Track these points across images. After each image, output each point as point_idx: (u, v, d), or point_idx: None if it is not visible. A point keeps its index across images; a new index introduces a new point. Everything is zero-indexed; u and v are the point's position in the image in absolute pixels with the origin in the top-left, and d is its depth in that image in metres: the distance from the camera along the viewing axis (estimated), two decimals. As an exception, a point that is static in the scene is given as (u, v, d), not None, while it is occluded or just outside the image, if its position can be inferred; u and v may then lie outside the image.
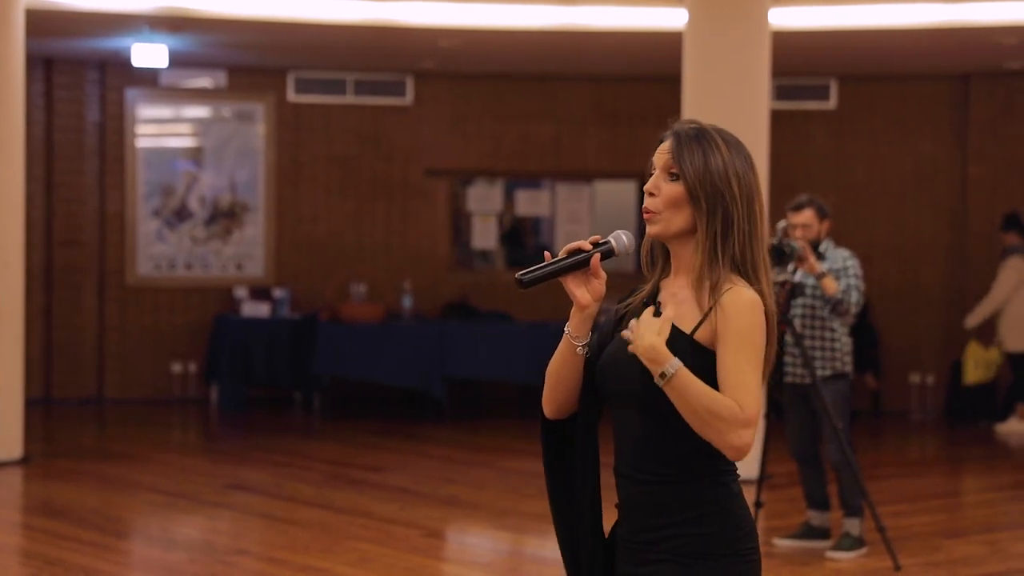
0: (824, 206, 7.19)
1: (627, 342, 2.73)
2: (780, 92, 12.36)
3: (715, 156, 2.80)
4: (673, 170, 2.81)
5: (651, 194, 2.83)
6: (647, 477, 2.79)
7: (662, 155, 2.84)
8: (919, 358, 12.68)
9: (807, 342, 7.05)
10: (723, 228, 2.78)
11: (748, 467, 7.99)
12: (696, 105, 8.83)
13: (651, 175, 2.85)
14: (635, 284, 2.94)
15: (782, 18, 9.83)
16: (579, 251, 2.80)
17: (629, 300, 2.91)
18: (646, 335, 2.69)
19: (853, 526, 7.08)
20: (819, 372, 7.01)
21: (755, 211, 2.82)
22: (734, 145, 2.83)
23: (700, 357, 2.73)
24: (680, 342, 2.74)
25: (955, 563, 7.02)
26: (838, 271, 7.03)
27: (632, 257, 3.04)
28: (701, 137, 2.82)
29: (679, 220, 2.81)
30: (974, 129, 12.54)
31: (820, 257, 7.09)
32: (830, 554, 7.06)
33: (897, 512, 8.11)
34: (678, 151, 2.81)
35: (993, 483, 9.73)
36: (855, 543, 7.07)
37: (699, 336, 2.75)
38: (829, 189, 12.32)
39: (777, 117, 11.33)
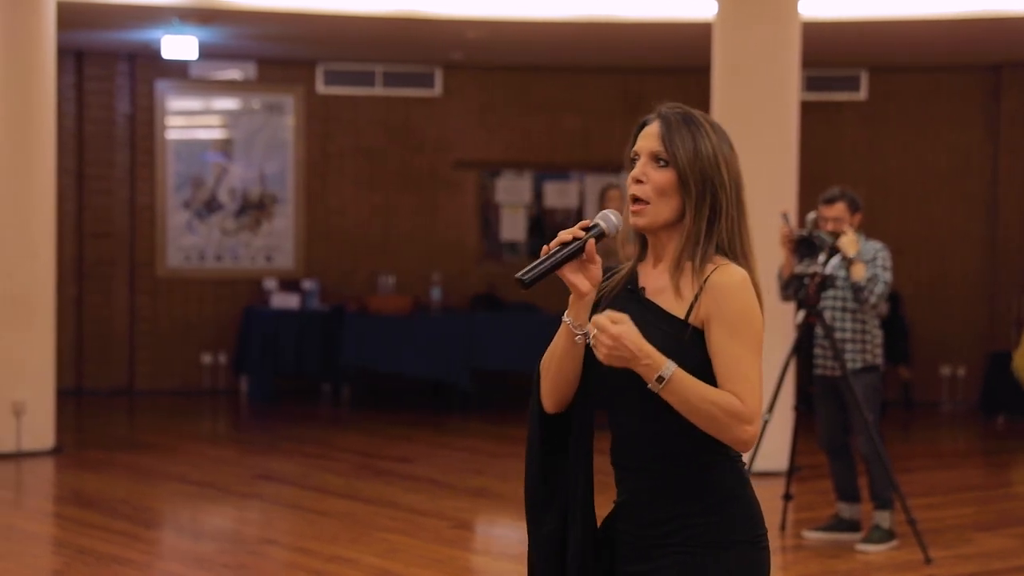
0: (856, 199, 7.15)
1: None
2: (810, 83, 12.30)
3: (705, 140, 2.71)
4: (663, 156, 2.72)
5: (639, 181, 2.72)
6: (655, 467, 2.71)
7: (648, 140, 2.74)
8: (950, 350, 12.61)
9: (838, 334, 7.02)
10: (711, 214, 2.70)
11: (777, 459, 7.98)
12: (725, 97, 8.80)
13: (633, 161, 2.76)
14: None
15: (812, 8, 9.78)
16: (572, 240, 2.70)
17: (604, 284, 2.80)
18: (633, 337, 2.58)
19: (883, 519, 7.04)
20: (850, 364, 6.98)
21: (742, 198, 2.74)
22: (719, 130, 2.75)
23: (699, 342, 2.65)
24: (675, 328, 2.67)
25: (987, 556, 6.98)
26: (867, 262, 6.99)
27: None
28: (690, 121, 2.73)
29: (667, 210, 2.71)
30: (1006, 120, 12.45)
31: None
32: (860, 547, 7.04)
33: (928, 504, 8.07)
34: (668, 135, 2.71)
35: (1025, 476, 9.68)
36: (885, 536, 7.04)
37: (693, 319, 2.67)
38: (860, 181, 12.26)
39: (807, 108, 11.26)
